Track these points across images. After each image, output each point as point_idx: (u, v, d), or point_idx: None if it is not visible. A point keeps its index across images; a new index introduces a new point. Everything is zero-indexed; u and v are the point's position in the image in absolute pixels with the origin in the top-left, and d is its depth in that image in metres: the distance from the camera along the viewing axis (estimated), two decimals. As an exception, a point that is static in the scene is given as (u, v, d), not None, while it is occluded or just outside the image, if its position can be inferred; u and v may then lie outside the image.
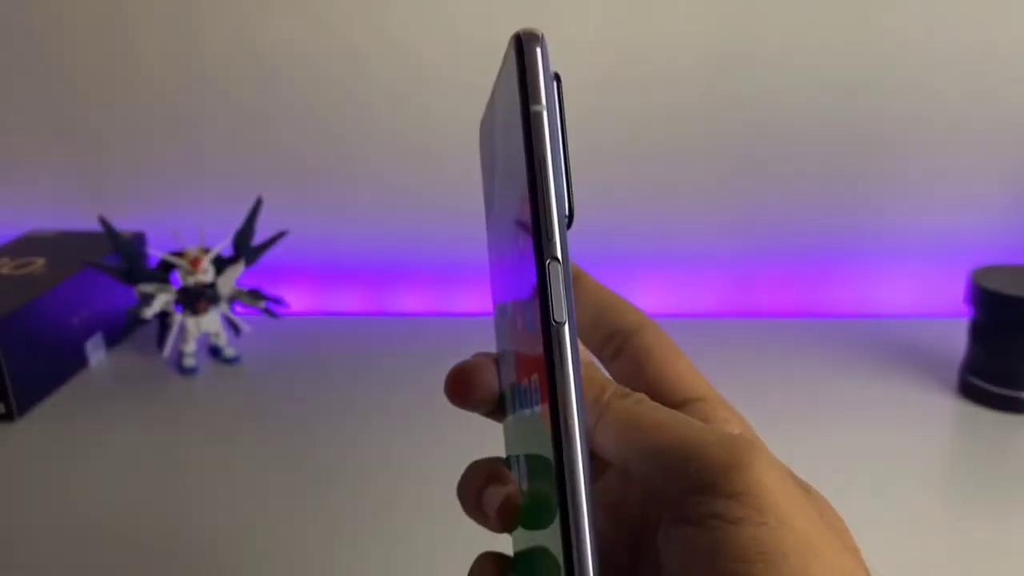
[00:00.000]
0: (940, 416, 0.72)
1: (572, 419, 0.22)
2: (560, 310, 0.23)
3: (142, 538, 0.58)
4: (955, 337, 0.76)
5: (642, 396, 0.25)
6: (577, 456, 0.22)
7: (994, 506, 0.60)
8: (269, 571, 0.55)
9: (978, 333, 0.73)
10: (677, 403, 0.27)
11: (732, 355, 0.79)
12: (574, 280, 0.28)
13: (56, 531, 0.59)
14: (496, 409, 0.28)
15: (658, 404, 0.25)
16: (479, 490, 0.27)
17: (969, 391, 0.74)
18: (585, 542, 0.22)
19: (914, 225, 0.92)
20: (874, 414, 0.72)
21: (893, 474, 0.63)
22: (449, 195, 0.93)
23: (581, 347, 0.27)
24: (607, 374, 0.27)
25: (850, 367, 0.80)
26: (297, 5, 0.87)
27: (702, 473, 0.22)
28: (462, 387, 0.28)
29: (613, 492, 0.29)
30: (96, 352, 0.84)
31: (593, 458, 0.24)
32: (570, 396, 0.23)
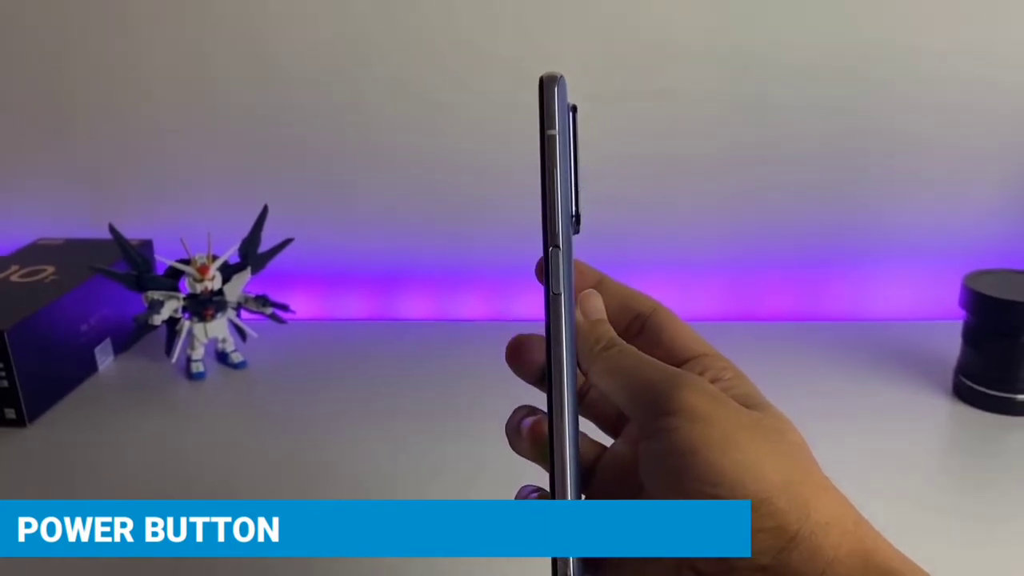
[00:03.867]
0: (934, 417, 0.73)
1: (561, 354, 0.31)
2: (557, 284, 0.31)
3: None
4: (949, 340, 0.77)
5: (623, 347, 0.33)
6: (564, 380, 0.30)
7: (987, 507, 0.62)
8: (275, 574, 0.56)
9: (971, 336, 0.74)
10: (685, 359, 0.34)
11: (729, 358, 0.80)
12: (600, 283, 0.37)
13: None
14: (541, 381, 0.35)
15: (632, 351, 0.33)
16: (520, 419, 0.35)
17: (962, 393, 0.75)
18: (565, 439, 0.30)
19: (909, 229, 0.93)
20: (869, 415, 0.73)
21: (887, 475, 0.65)
22: (453, 201, 0.95)
23: (594, 307, 0.35)
24: (611, 330, 0.34)
25: (845, 369, 0.81)
26: (304, 14, 0.88)
27: (653, 400, 0.30)
28: (514, 355, 0.36)
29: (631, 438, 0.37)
30: (105, 358, 0.85)
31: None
32: (561, 344, 0.31)
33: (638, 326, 0.36)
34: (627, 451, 0.36)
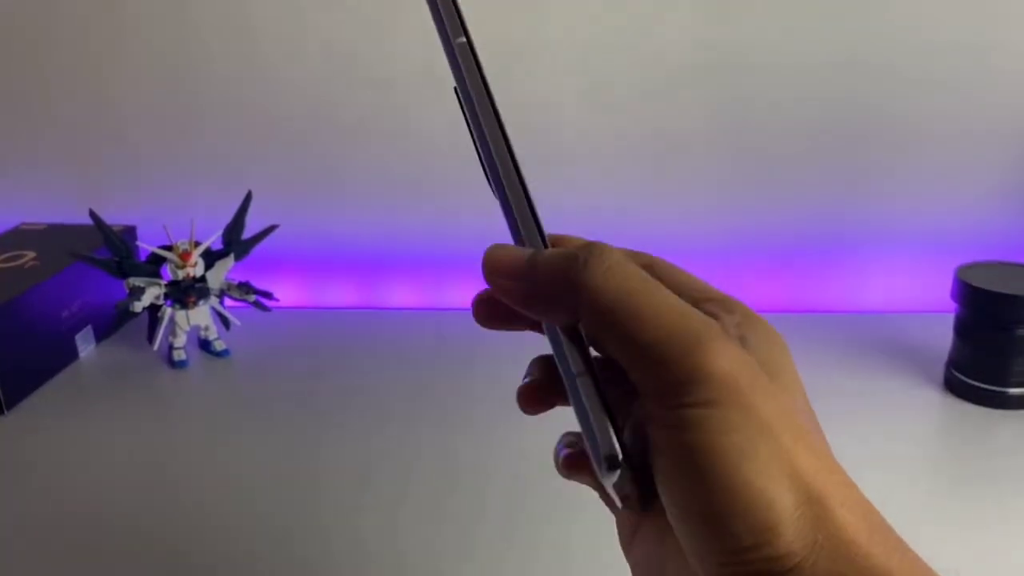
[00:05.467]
0: (925, 411, 0.73)
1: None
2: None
3: (131, 531, 0.58)
4: (941, 332, 0.76)
5: (617, 262, 0.27)
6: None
7: (977, 500, 0.61)
8: (259, 564, 0.55)
9: (963, 329, 0.73)
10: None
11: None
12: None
13: (46, 524, 0.59)
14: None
15: (635, 271, 0.27)
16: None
17: (954, 386, 0.74)
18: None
19: (901, 221, 0.92)
20: (859, 408, 0.72)
21: (878, 468, 0.64)
22: (442, 187, 0.94)
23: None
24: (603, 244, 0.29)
25: (836, 362, 0.80)
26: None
27: (666, 366, 0.25)
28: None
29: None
30: (86, 345, 0.84)
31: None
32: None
33: None
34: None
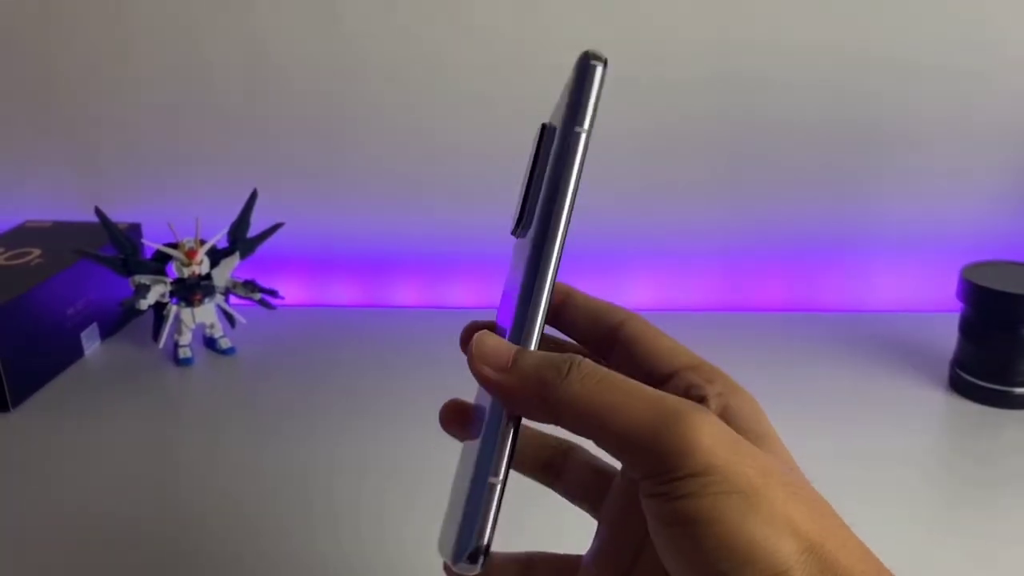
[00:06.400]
0: (930, 411, 0.73)
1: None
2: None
3: (136, 529, 0.58)
4: (946, 332, 0.76)
5: (591, 369, 0.28)
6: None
7: (982, 500, 0.61)
8: (263, 562, 0.55)
9: (968, 328, 0.73)
10: (666, 375, 0.31)
11: (722, 349, 0.79)
12: (567, 296, 0.35)
13: (51, 522, 0.59)
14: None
15: (605, 373, 0.28)
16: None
17: (959, 386, 0.74)
18: None
19: (906, 220, 0.92)
20: (864, 408, 0.72)
21: (882, 468, 0.64)
22: (445, 187, 0.94)
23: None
24: (574, 356, 0.29)
25: (840, 362, 0.80)
26: (293, -3, 0.87)
27: (650, 449, 0.26)
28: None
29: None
30: (91, 343, 0.84)
31: None
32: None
33: (609, 340, 0.34)
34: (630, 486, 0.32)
